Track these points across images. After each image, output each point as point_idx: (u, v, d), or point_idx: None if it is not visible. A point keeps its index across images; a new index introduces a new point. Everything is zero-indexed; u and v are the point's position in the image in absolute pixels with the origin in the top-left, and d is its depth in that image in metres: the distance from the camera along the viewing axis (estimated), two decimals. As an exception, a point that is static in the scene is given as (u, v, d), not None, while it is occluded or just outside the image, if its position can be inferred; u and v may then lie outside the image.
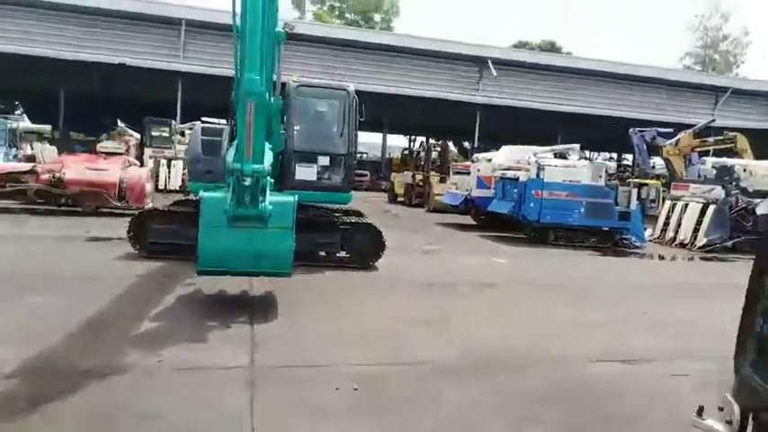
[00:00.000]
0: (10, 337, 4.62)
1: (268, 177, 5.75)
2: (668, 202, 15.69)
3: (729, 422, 1.36)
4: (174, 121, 23.12)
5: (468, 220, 17.20)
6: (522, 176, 13.89)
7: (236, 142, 5.54)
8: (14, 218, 11.59)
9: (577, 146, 16.42)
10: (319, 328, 5.53)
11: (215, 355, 4.61)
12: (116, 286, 6.48)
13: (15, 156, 17.40)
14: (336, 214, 9.26)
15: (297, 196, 5.99)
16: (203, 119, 24.08)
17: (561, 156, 15.64)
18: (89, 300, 5.79)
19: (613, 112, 31.19)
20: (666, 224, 15.06)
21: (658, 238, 14.97)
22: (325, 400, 3.91)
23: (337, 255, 8.65)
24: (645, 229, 14.38)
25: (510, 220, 14.29)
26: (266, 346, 4.90)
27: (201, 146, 8.67)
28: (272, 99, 5.97)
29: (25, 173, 12.34)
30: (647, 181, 21.92)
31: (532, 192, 13.12)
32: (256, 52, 5.23)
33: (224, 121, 14.25)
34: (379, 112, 33.34)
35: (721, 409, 1.36)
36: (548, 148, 16.32)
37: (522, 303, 7.25)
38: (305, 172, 8.32)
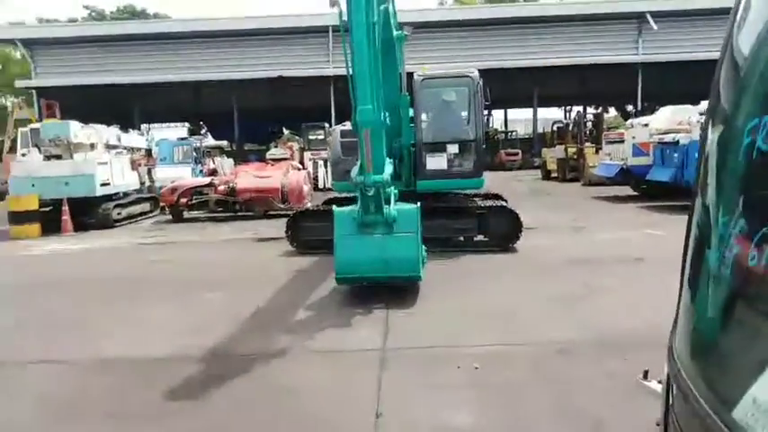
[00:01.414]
0: (191, 327, 5.61)
1: (392, 189, 6.25)
2: None
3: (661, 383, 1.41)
4: (327, 125, 24.80)
5: (628, 191, 16.14)
6: (683, 139, 12.70)
7: (359, 160, 6.02)
8: (200, 225, 13.57)
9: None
10: (450, 312, 5.80)
11: (353, 339, 5.13)
12: (277, 281, 7.37)
13: (201, 171, 20.05)
14: (475, 199, 9.42)
15: (420, 203, 6.32)
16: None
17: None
18: (254, 294, 6.69)
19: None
20: None
21: None
22: (446, 377, 4.18)
23: (475, 239, 8.82)
24: None
25: (674, 188, 13.15)
26: (398, 330, 5.30)
27: (341, 147, 9.37)
28: (384, 117, 6.10)
29: (206, 186, 14.31)
30: None
31: (695, 155, 11.94)
32: (366, 84, 5.51)
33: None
34: (529, 86, 32.39)
35: None
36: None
37: (672, 277, 6.76)
38: (436, 161, 8.60)
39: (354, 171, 6.06)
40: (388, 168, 6.32)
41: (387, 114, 6.20)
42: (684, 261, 1.33)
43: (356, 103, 5.63)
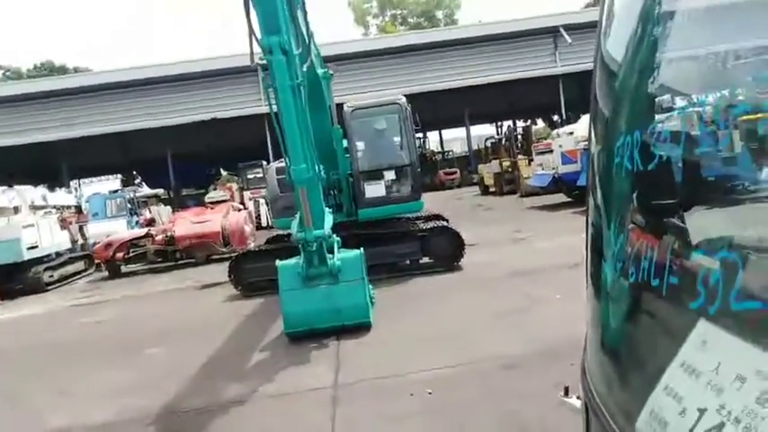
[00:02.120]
0: (134, 387, 5.38)
1: (334, 236, 6.24)
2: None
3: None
4: (264, 162, 24.59)
5: (562, 198, 16.71)
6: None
7: (298, 214, 5.99)
8: (139, 279, 13.08)
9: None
10: (400, 337, 5.81)
11: (305, 379, 5.04)
12: (222, 328, 7.17)
13: (137, 222, 19.39)
14: (417, 222, 9.53)
15: (363, 248, 6.33)
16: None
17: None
18: (199, 344, 6.49)
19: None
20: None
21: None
22: (401, 407, 4.16)
23: (420, 261, 8.90)
24: None
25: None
26: (349, 364, 5.26)
27: (278, 184, 9.30)
28: (318, 170, 6.07)
29: (142, 237, 13.84)
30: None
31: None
32: (297, 144, 5.51)
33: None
34: (459, 106, 33.25)
35: None
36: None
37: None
38: (374, 189, 8.67)
39: (294, 227, 6.02)
40: (328, 219, 6.32)
41: (321, 168, 6.21)
42: (586, 275, 1.34)
43: (289, 161, 5.59)
